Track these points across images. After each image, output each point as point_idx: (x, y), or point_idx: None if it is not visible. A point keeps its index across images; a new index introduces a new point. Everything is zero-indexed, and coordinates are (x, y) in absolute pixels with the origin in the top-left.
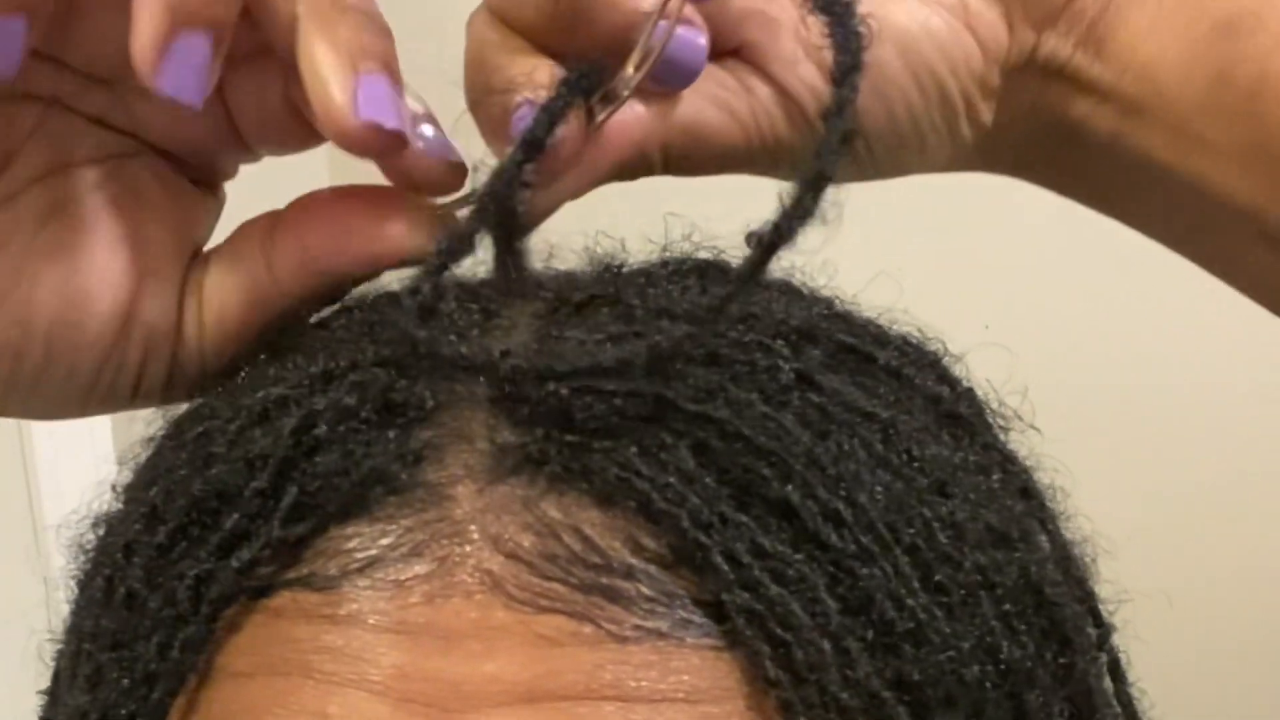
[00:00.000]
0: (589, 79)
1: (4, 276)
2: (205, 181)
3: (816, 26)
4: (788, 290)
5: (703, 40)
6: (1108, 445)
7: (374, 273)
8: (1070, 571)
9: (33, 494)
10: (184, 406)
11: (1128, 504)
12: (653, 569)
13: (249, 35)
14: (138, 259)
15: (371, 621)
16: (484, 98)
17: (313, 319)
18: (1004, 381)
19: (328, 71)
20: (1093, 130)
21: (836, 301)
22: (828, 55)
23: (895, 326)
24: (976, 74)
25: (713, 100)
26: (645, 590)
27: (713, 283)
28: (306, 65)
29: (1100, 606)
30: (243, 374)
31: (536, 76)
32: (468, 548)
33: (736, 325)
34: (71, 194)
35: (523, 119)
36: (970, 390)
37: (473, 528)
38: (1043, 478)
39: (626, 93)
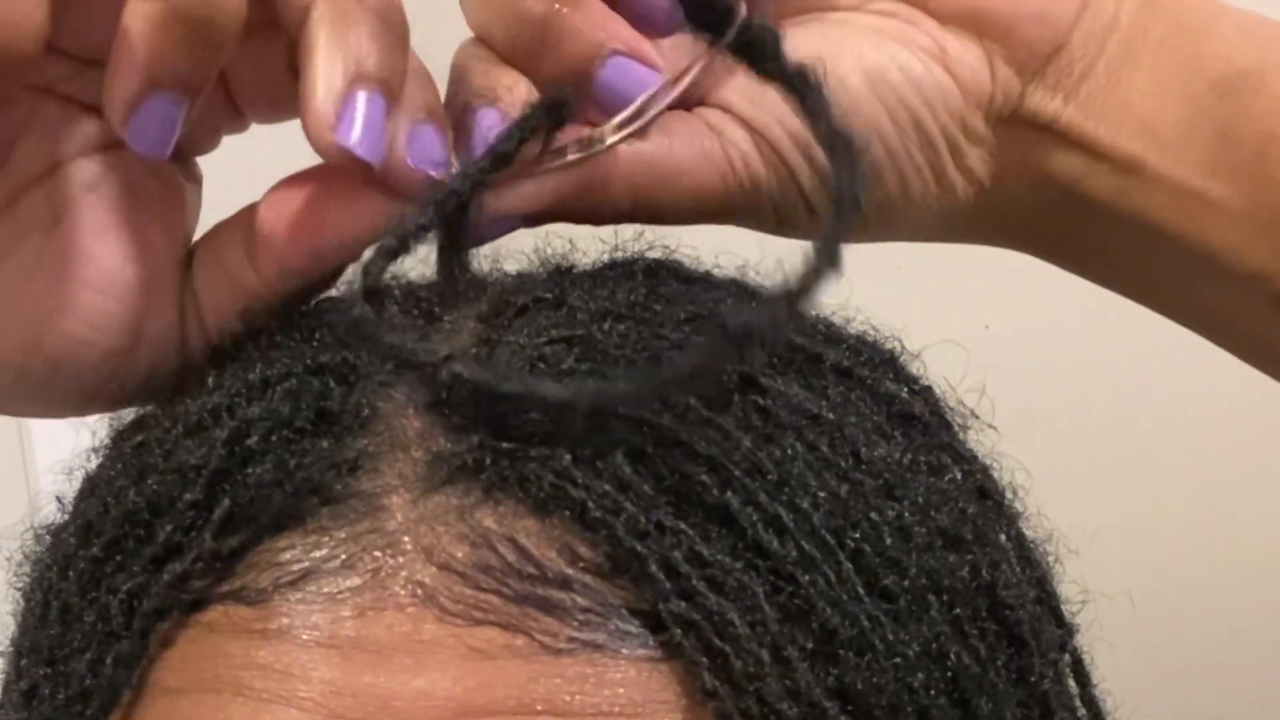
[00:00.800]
0: (558, 108)
1: (8, 292)
2: (187, 157)
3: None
4: (738, 290)
5: (659, 79)
6: (1072, 444)
7: (357, 255)
8: (1029, 572)
9: (31, 492)
10: (128, 417)
11: (1091, 503)
12: (589, 579)
13: (257, 12)
14: (143, 268)
15: (303, 637)
16: (453, 103)
17: (256, 326)
18: (962, 379)
19: (322, 77)
20: (1090, 191)
21: None
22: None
23: (850, 325)
24: (956, 113)
25: (685, 140)
26: (581, 601)
27: (662, 283)
28: (306, 60)
29: (1062, 607)
30: (185, 384)
31: (504, 89)
32: (401, 559)
33: (682, 326)
34: (73, 197)
35: (483, 127)
36: (927, 389)
37: (406, 539)
38: (1003, 477)
39: (601, 147)
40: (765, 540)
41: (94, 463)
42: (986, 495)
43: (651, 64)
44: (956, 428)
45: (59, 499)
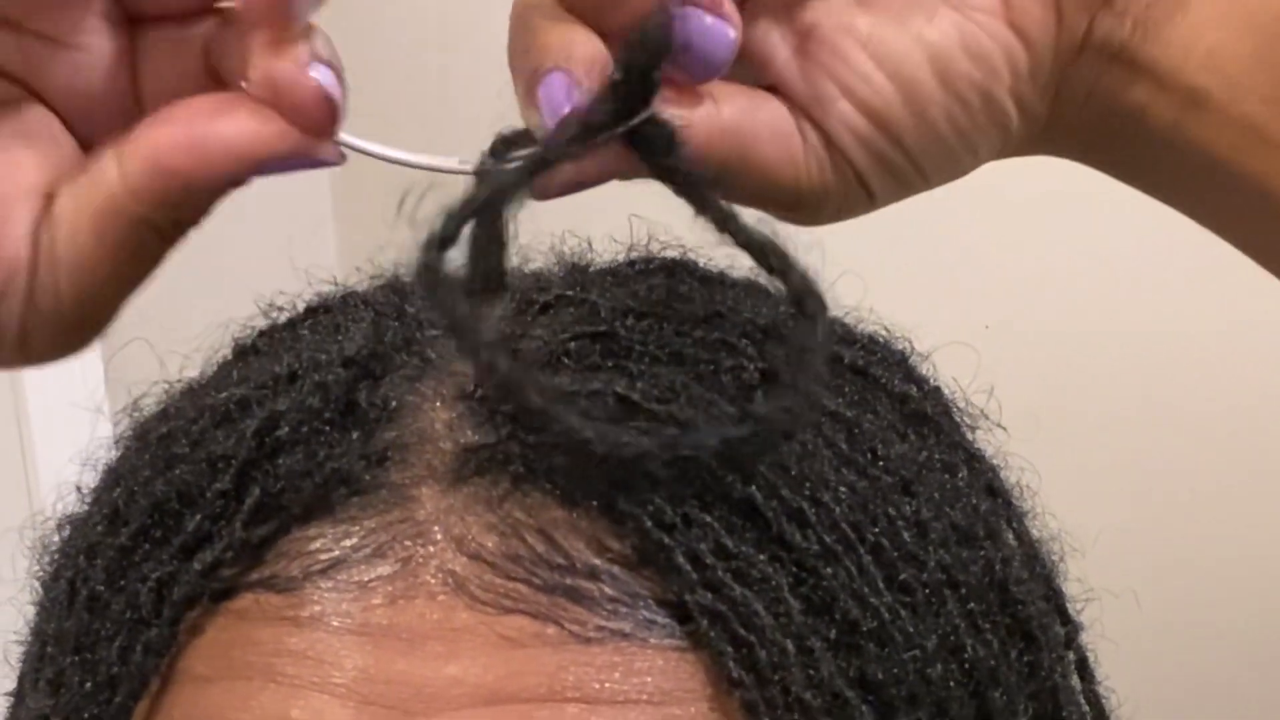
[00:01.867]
0: (644, 85)
1: None
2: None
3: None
4: (754, 289)
5: (731, 33)
6: (1077, 443)
7: (232, 180)
8: (1037, 570)
9: (31, 489)
10: (151, 409)
11: (1096, 502)
12: (616, 569)
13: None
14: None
15: (334, 623)
16: (521, 59)
17: (281, 321)
18: (971, 379)
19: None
20: (1152, 120)
21: None
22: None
23: (862, 325)
24: (1023, 72)
25: (770, 128)
26: (608, 591)
27: (680, 281)
28: None
29: (1067, 605)
30: (208, 376)
31: (575, 49)
32: (431, 549)
33: (702, 324)
34: None
35: (550, 89)
36: (937, 388)
37: (436, 529)
38: (1010, 476)
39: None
40: (788, 533)
41: (115, 453)
42: (995, 493)
43: (725, 17)
44: (964, 427)
45: (79, 488)
